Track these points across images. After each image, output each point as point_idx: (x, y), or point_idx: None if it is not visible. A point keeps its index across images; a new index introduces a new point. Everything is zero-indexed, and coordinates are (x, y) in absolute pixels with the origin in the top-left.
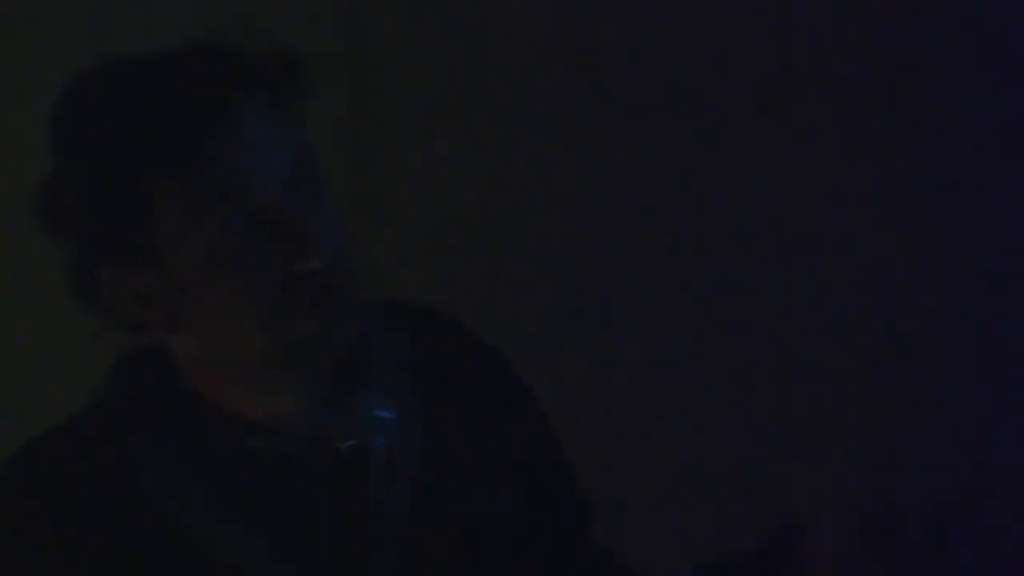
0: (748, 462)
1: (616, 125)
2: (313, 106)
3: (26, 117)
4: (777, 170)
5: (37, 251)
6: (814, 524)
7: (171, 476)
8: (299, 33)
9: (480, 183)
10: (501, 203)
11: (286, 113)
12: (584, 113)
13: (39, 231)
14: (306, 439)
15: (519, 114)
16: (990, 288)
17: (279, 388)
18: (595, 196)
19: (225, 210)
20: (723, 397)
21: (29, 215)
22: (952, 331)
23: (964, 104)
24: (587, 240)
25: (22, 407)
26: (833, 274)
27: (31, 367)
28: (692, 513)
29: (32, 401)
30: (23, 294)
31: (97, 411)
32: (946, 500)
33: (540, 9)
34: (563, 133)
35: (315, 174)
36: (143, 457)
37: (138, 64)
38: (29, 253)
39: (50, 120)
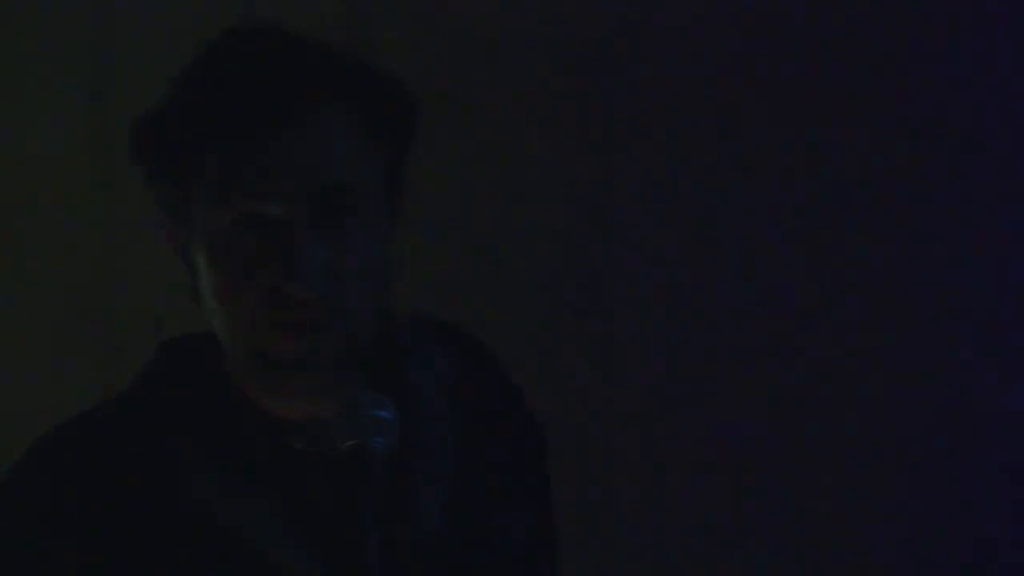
0: (749, 462)
1: (616, 125)
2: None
3: (26, 117)
4: (777, 170)
5: (37, 251)
6: None
7: (208, 469)
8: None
9: (480, 183)
10: (501, 203)
11: (358, 132)
12: (584, 113)
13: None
14: (317, 441)
15: (519, 115)
16: (990, 288)
17: (303, 393)
18: (595, 196)
19: (239, 205)
20: (723, 398)
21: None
22: (953, 331)
23: (963, 104)
24: (587, 240)
25: (21, 407)
26: (835, 274)
27: (31, 367)
28: (693, 513)
29: (32, 401)
30: (23, 294)
31: (135, 398)
32: None
33: (540, 9)
34: (563, 133)
35: (354, 206)
36: (180, 447)
37: (247, 40)
38: (29, 253)
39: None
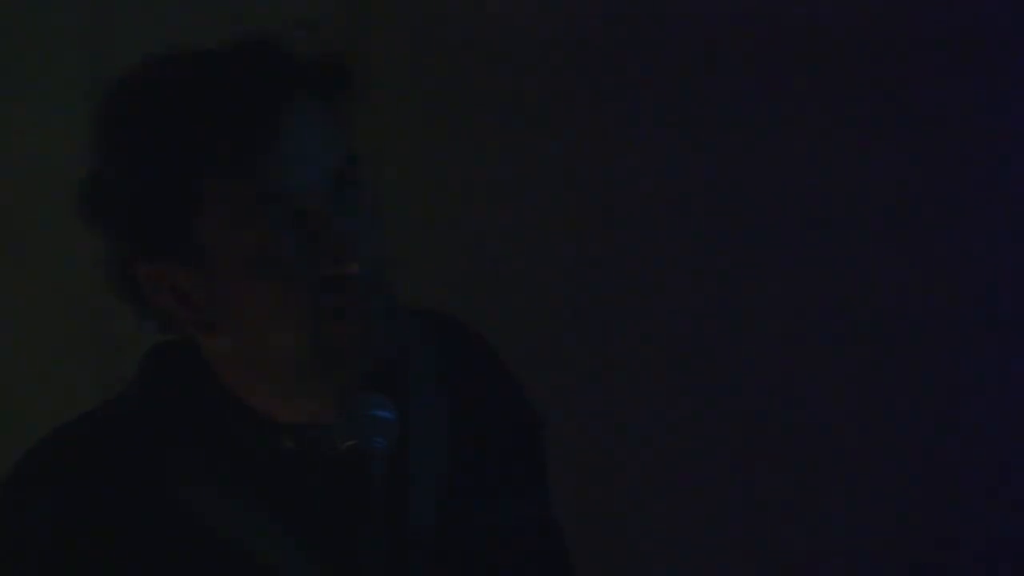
0: (750, 458)
1: (616, 124)
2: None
3: (26, 117)
4: (776, 169)
5: (37, 251)
6: None
7: (202, 473)
8: (299, 35)
9: (480, 184)
10: (501, 204)
11: (335, 116)
12: (584, 113)
13: (81, 222)
14: (323, 442)
15: (520, 115)
16: (988, 288)
17: (314, 393)
18: (595, 196)
19: (271, 211)
20: (724, 395)
21: (73, 206)
22: (951, 331)
23: (962, 104)
24: (587, 240)
25: (21, 408)
26: (834, 273)
27: (31, 367)
28: (693, 512)
29: (32, 402)
30: (23, 294)
31: (127, 404)
32: None
33: (541, 9)
34: (563, 134)
35: (360, 178)
36: (174, 453)
37: (191, 61)
38: (29, 253)
39: (98, 114)
